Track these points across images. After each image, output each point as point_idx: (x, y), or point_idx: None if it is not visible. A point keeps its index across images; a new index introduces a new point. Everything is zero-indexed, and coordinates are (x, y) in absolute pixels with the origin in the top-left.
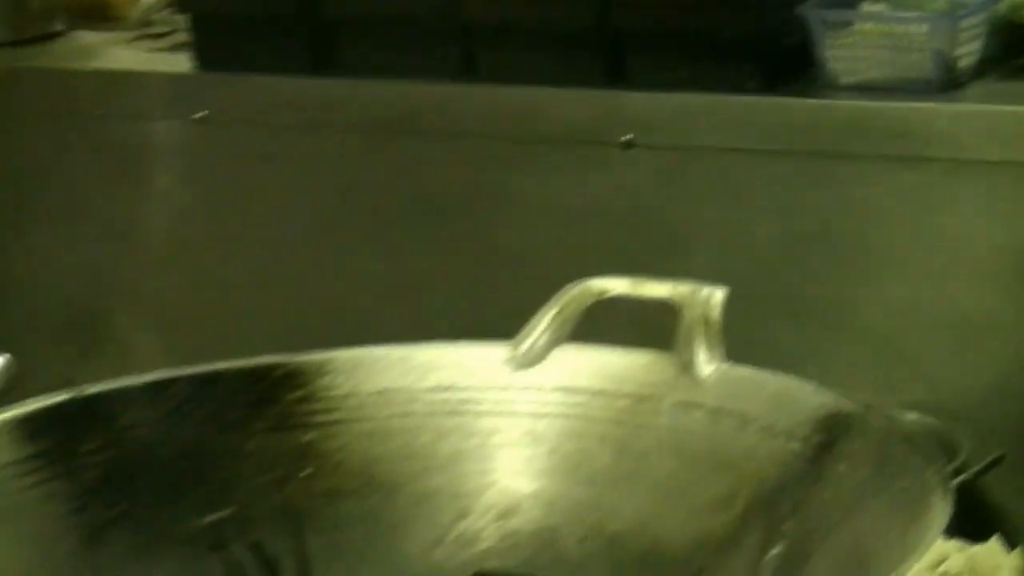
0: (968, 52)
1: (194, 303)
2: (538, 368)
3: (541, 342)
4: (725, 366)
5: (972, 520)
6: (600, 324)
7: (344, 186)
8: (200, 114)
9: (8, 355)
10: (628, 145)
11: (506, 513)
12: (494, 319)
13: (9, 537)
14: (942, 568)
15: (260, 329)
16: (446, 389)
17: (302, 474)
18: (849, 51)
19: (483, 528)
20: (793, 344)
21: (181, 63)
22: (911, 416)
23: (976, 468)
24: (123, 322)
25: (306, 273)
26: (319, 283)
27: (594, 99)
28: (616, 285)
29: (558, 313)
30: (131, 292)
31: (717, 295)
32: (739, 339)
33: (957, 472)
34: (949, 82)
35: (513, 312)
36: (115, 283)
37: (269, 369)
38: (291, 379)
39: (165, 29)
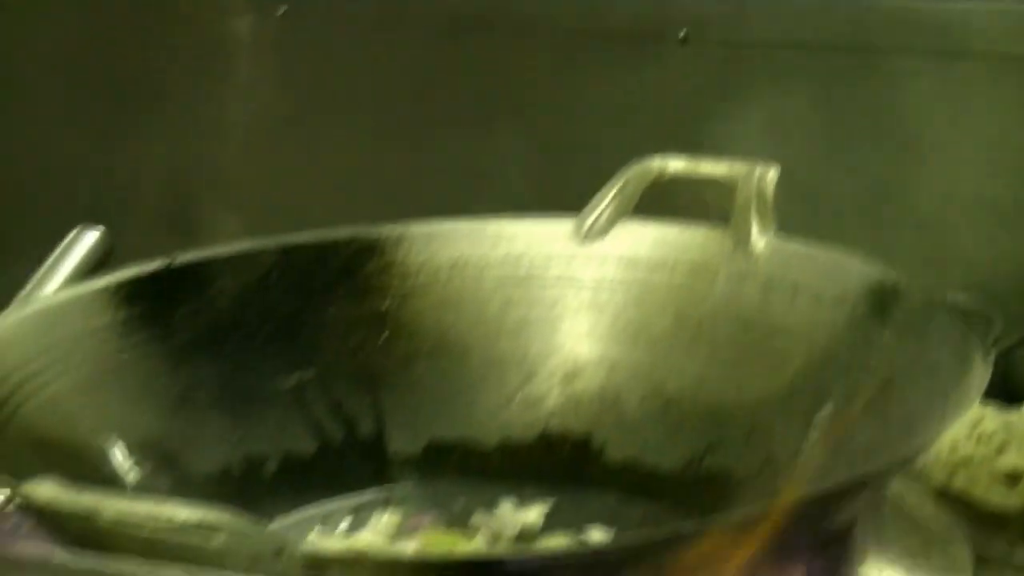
0: None
1: (276, 189)
2: (601, 241)
3: (604, 217)
4: (777, 240)
5: (1006, 390)
6: (659, 204)
7: (419, 79)
8: (282, 10)
9: (103, 228)
10: (684, 40)
11: (570, 376)
12: (560, 202)
13: (107, 394)
14: (979, 429)
15: (338, 213)
16: (515, 260)
17: (379, 339)
18: None
19: (548, 391)
20: (840, 229)
21: None
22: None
23: (1011, 342)
24: (210, 205)
25: (382, 158)
26: (395, 169)
27: None
28: (675, 164)
29: (621, 190)
30: (217, 177)
31: (771, 173)
32: (788, 225)
33: (993, 344)
34: None
35: (578, 194)
36: (202, 169)
37: (349, 241)
38: (370, 250)
39: None
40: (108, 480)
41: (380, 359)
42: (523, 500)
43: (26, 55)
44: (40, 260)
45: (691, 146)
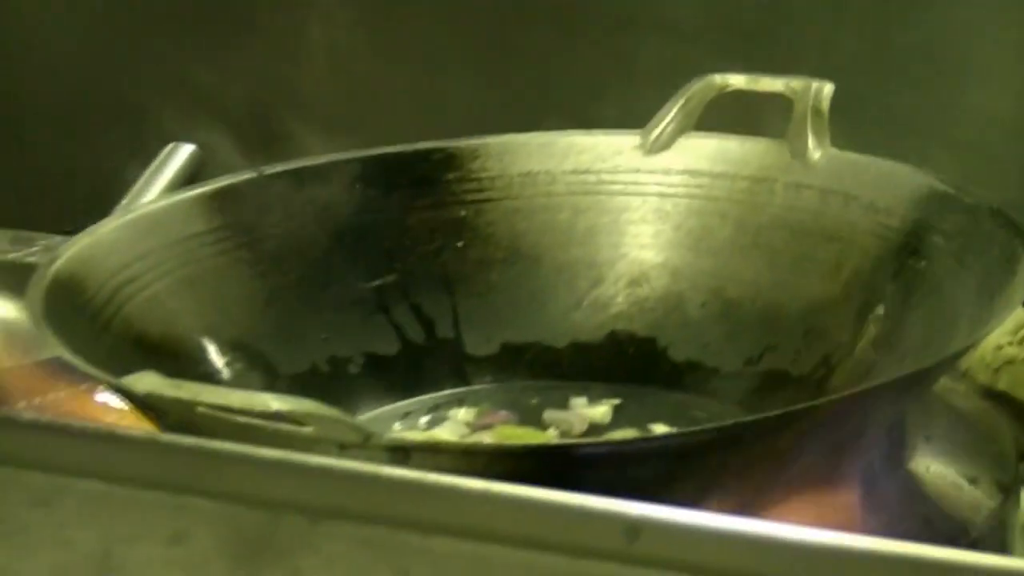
0: None
1: (357, 107)
2: (665, 153)
3: (668, 130)
4: (832, 151)
5: None
6: (717, 120)
7: (489, 2)
8: None
9: (195, 146)
10: None
11: (636, 281)
12: (622, 116)
13: (201, 296)
14: (1021, 333)
15: (416, 129)
16: (583, 171)
17: (456, 246)
18: None
19: (615, 294)
20: (891, 146)
21: None
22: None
23: None
24: (295, 122)
25: (457, 78)
26: (470, 87)
27: None
28: (735, 80)
29: (683, 105)
30: (302, 96)
31: (827, 88)
32: (841, 139)
33: None
34: None
35: (639, 110)
36: (287, 88)
37: (429, 152)
38: (448, 162)
39: None
40: (203, 377)
41: (457, 265)
42: (592, 398)
43: None
44: (137, 173)
45: (746, 64)
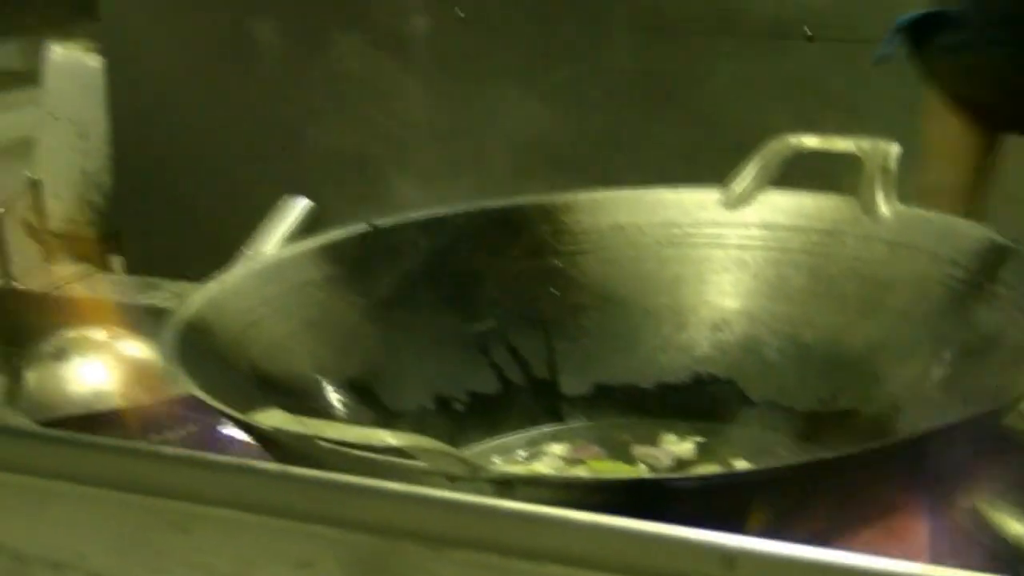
0: None
1: (459, 163)
2: (744, 208)
3: (747, 186)
4: (900, 207)
5: None
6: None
7: (583, 68)
8: (460, 13)
9: (310, 201)
10: (810, 39)
11: (717, 326)
12: (702, 174)
13: (317, 339)
14: None
15: (511, 183)
16: (669, 225)
17: (552, 293)
18: None
19: (698, 338)
20: None
21: None
22: None
23: None
24: (399, 178)
25: (552, 136)
26: (563, 144)
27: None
28: (809, 140)
29: (761, 163)
30: (406, 154)
31: (894, 148)
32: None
33: None
34: None
35: (720, 166)
36: (393, 146)
37: (526, 207)
38: (544, 215)
39: None
40: (319, 413)
41: (552, 311)
42: (677, 435)
43: (248, 47)
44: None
45: (817, 125)
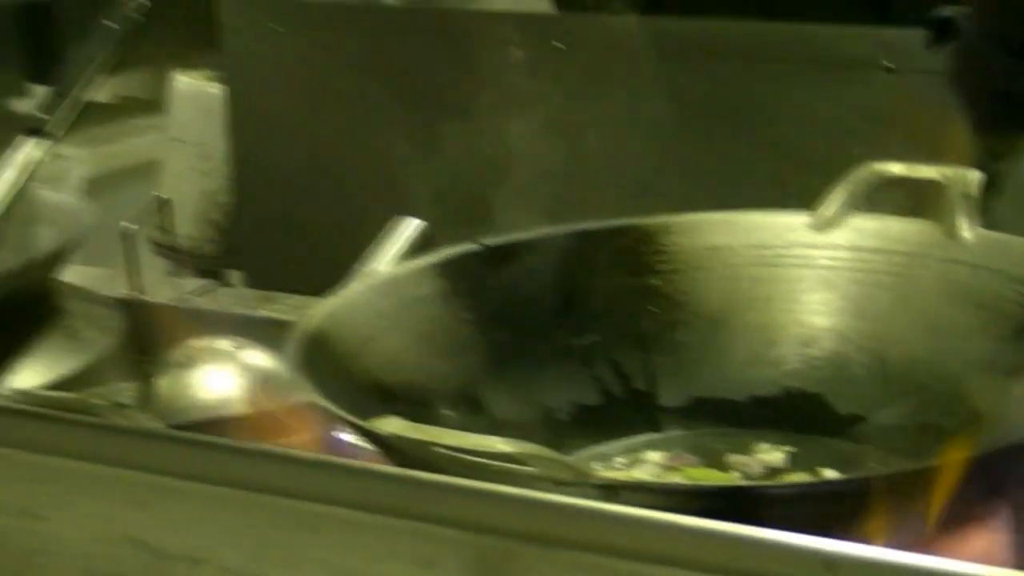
0: None
1: (562, 186)
2: (832, 231)
3: (835, 211)
4: (981, 231)
5: None
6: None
7: (676, 101)
8: (560, 45)
9: (422, 221)
10: (889, 70)
11: (806, 343)
12: (787, 199)
13: (430, 351)
14: None
15: (612, 205)
16: (761, 246)
17: (651, 310)
18: None
19: (788, 354)
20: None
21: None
22: None
23: None
24: (507, 199)
25: (649, 162)
26: (659, 170)
27: (862, 33)
28: (895, 168)
29: (848, 189)
30: (512, 176)
31: (975, 176)
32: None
33: None
34: None
35: (802, 194)
36: (499, 169)
37: (626, 228)
38: (643, 237)
39: None
40: (432, 421)
41: (651, 327)
42: (769, 445)
43: (360, 74)
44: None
45: (895, 155)
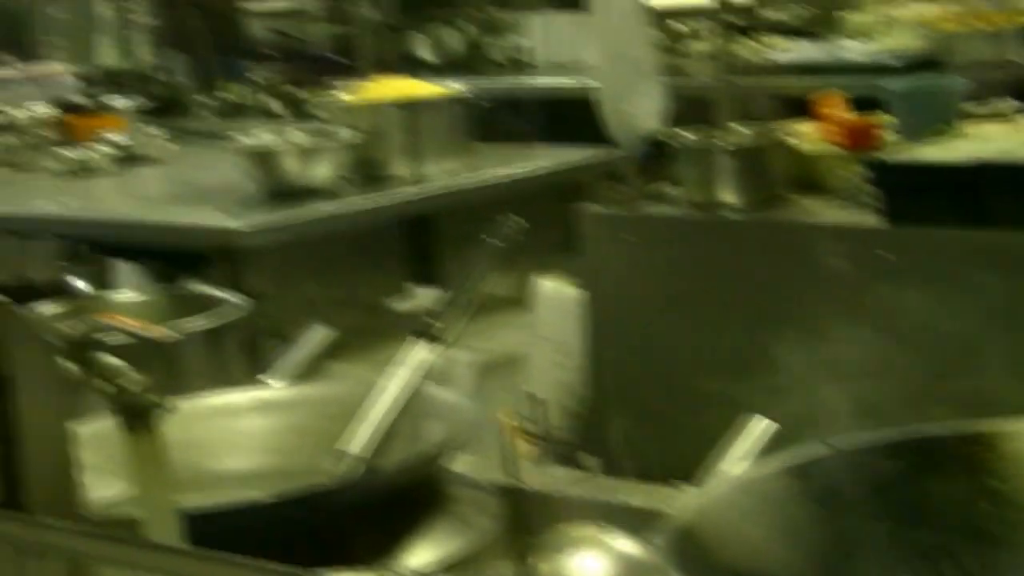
0: None
1: (885, 386)
2: None
3: None
4: None
5: None
6: None
7: (995, 312)
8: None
9: (771, 422)
10: None
11: None
12: None
13: (784, 547)
14: None
15: (938, 409)
16: None
17: (992, 510)
18: None
19: None
20: None
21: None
22: None
23: None
24: (842, 398)
25: (967, 370)
26: (981, 377)
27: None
28: None
29: None
30: (848, 376)
31: None
32: None
33: None
34: None
35: None
36: (834, 368)
37: (966, 436)
38: (989, 442)
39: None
40: None
41: (991, 525)
42: None
43: (704, 281)
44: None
45: None
